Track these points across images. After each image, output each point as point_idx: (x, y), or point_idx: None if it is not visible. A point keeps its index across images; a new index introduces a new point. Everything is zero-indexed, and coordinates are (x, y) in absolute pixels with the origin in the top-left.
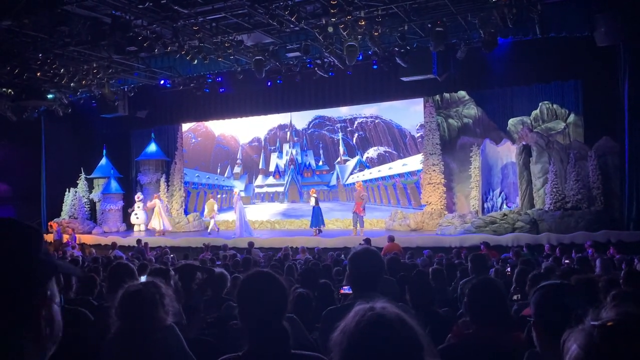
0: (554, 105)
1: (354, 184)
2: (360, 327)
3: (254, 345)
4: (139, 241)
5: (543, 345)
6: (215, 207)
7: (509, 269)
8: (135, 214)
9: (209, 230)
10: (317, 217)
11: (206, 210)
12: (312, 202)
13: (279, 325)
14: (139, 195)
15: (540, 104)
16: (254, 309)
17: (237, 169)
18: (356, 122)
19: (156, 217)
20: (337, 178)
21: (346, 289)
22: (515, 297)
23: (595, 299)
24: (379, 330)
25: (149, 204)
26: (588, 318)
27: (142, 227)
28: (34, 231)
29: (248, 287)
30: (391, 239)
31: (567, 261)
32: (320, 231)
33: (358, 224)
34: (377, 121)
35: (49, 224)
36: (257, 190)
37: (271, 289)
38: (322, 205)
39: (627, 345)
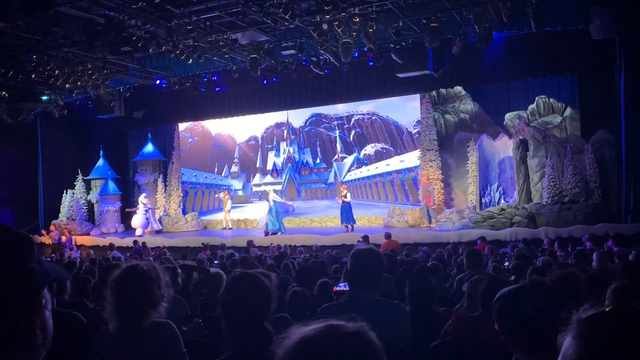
0: (551, 99)
1: (353, 180)
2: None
3: (237, 347)
4: (135, 242)
5: (522, 357)
6: (229, 204)
7: (506, 263)
8: (147, 217)
9: (228, 227)
10: (347, 214)
11: (225, 204)
12: (348, 198)
13: (262, 327)
14: (143, 200)
15: (536, 98)
16: (237, 311)
17: (234, 168)
18: (353, 119)
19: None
20: (335, 175)
21: (341, 286)
22: (511, 279)
23: (577, 295)
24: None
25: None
26: (577, 315)
27: (139, 231)
28: (27, 239)
29: (231, 289)
30: (388, 235)
31: (560, 253)
32: (352, 228)
33: (430, 217)
34: (373, 118)
35: (50, 227)
36: (254, 189)
37: (254, 291)
38: (320, 202)
39: (626, 329)
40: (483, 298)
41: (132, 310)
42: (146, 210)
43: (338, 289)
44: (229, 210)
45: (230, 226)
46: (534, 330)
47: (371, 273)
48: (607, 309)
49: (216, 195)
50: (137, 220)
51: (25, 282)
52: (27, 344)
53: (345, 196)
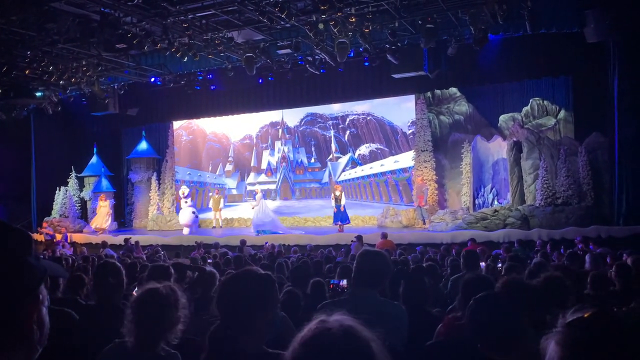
0: (545, 102)
1: (348, 180)
2: (302, 341)
3: (235, 344)
4: (126, 240)
5: None
6: (222, 202)
7: (499, 265)
8: (194, 212)
9: (216, 225)
10: (339, 214)
11: (213, 205)
12: (337, 201)
13: (256, 325)
14: (184, 191)
15: (530, 100)
16: (232, 307)
17: (228, 167)
18: (348, 119)
19: (103, 217)
20: (329, 175)
21: (342, 282)
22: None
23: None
24: (320, 344)
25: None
26: (560, 320)
27: (186, 230)
28: (25, 235)
29: (231, 286)
30: (384, 235)
31: (554, 256)
32: (342, 228)
33: (423, 217)
34: (368, 118)
35: (44, 224)
36: (249, 187)
37: (249, 289)
38: (314, 202)
39: (604, 334)
40: (462, 298)
41: (149, 331)
42: (192, 205)
43: (341, 284)
44: (221, 209)
45: (221, 225)
46: (501, 336)
47: (376, 274)
48: (586, 315)
49: (209, 205)
50: (184, 217)
51: (24, 277)
52: (24, 340)
53: (335, 198)
